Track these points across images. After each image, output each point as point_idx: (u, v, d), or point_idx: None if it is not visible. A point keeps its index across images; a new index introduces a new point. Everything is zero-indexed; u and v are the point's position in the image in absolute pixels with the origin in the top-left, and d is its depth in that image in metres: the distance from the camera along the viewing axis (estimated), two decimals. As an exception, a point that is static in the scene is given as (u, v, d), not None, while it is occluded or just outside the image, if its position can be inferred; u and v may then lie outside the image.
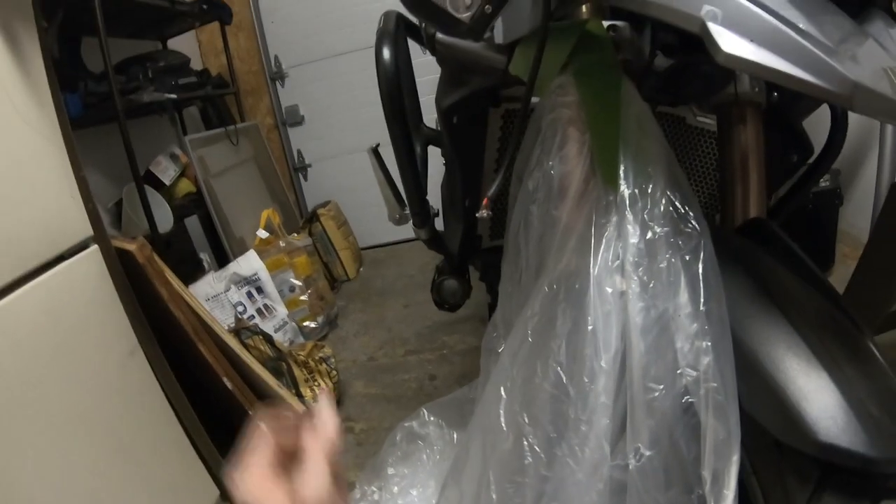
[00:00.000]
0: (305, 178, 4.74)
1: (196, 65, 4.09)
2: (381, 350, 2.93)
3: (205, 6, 3.78)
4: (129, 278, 1.64)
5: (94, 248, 1.52)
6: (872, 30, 0.68)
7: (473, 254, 1.52)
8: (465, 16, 0.64)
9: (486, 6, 0.62)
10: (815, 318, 0.72)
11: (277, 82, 4.62)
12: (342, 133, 4.46)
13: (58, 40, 2.74)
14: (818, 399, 0.62)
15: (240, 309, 2.81)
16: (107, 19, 2.76)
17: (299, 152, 4.70)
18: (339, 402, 2.50)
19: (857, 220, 2.75)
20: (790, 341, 0.67)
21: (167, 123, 3.72)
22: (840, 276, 1.68)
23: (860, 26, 0.67)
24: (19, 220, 1.30)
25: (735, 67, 0.54)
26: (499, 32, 0.89)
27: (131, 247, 1.72)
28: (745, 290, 0.73)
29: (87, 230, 1.51)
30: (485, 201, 0.77)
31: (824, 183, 2.70)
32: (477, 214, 0.78)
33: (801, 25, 0.55)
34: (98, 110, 2.85)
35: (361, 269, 4.20)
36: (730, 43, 0.54)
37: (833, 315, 0.75)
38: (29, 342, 1.27)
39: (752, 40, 0.54)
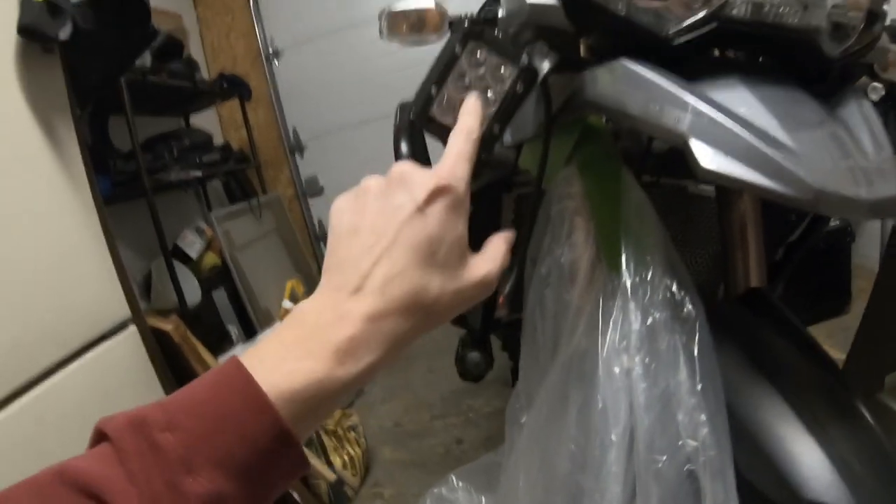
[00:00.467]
0: (327, 247, 4.79)
1: (217, 139, 4.23)
2: (408, 415, 2.95)
3: (225, 84, 3.93)
4: (166, 356, 1.70)
5: (133, 328, 1.58)
6: (845, 113, 0.75)
7: (494, 328, 1.59)
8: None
9: (495, 126, 0.70)
10: (805, 383, 0.79)
11: (297, 154, 4.74)
12: (361, 203, 4.50)
13: (88, 120, 2.87)
14: (804, 460, 0.69)
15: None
16: (132, 100, 2.90)
17: (320, 222, 4.79)
18: (368, 468, 2.52)
19: (869, 250, 2.80)
20: (779, 409, 0.74)
21: (192, 198, 3.83)
22: (858, 311, 1.72)
23: (832, 112, 0.74)
24: (61, 303, 1.36)
25: (711, 180, 0.61)
26: (507, 135, 0.97)
27: (167, 327, 1.79)
28: (740, 363, 0.80)
29: (125, 312, 1.57)
30: (500, 300, 0.84)
31: (834, 222, 2.73)
32: (495, 315, 0.86)
33: (770, 132, 0.62)
34: (126, 188, 2.95)
35: (385, 334, 4.21)
36: (707, 158, 0.60)
37: (823, 379, 0.81)
38: (74, 421, 1.32)
39: (726, 154, 0.60)
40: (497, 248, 0.64)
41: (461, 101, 0.69)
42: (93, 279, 1.49)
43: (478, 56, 0.70)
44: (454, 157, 0.60)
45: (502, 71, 0.70)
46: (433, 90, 0.70)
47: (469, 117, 0.64)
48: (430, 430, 2.75)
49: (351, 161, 4.51)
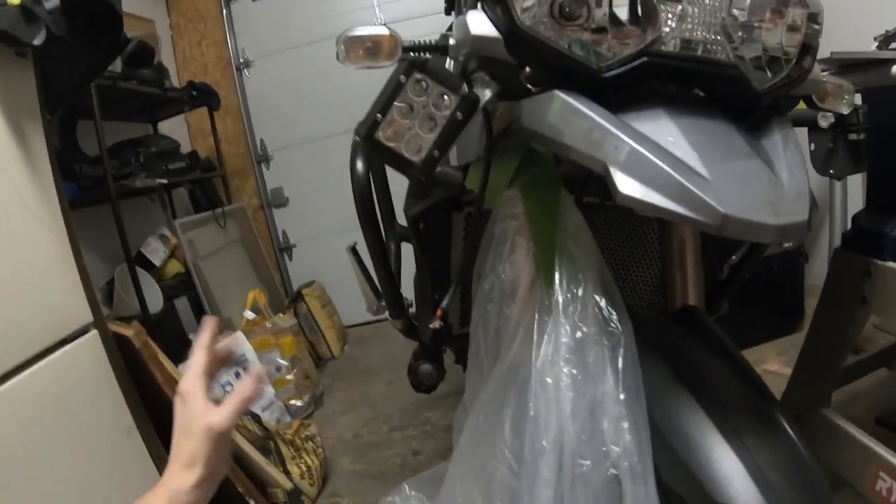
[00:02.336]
0: (290, 258, 4.83)
1: (185, 146, 4.23)
2: (366, 427, 2.98)
3: (194, 93, 3.94)
4: (126, 361, 1.71)
5: (94, 333, 1.59)
6: (768, 143, 0.80)
7: (445, 341, 1.63)
8: (416, 158, 0.77)
9: (435, 151, 0.75)
10: (727, 396, 0.84)
11: (263, 164, 4.76)
12: (325, 214, 4.55)
13: (57, 124, 2.88)
14: (720, 466, 0.74)
15: (228, 389, 2.87)
16: (101, 104, 2.91)
17: (284, 233, 4.80)
18: (326, 478, 2.54)
19: (822, 271, 2.88)
20: (698, 419, 0.79)
21: (157, 205, 3.83)
22: None
23: (756, 142, 0.79)
24: (26, 306, 1.38)
25: (628, 205, 0.66)
26: (453, 157, 1.02)
27: (128, 332, 1.81)
28: (665, 376, 0.85)
29: (87, 316, 1.58)
30: (438, 312, 0.89)
31: (788, 244, 2.81)
32: (430, 325, 0.90)
33: (687, 161, 0.66)
34: (92, 193, 2.97)
35: (346, 347, 4.26)
36: (625, 185, 0.65)
37: (745, 393, 0.87)
38: (33, 422, 1.34)
39: (642, 182, 0.65)
40: (229, 402, 0.81)
41: (407, 127, 0.74)
42: (57, 283, 1.51)
43: (422, 85, 0.75)
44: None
45: (444, 99, 0.75)
46: (378, 116, 0.75)
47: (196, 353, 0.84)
48: (388, 442, 2.78)
49: (316, 173, 4.53)
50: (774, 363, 2.73)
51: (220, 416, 0.77)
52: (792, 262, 3.01)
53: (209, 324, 0.91)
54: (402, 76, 0.76)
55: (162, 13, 4.60)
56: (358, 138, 0.79)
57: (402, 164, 0.78)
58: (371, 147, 0.77)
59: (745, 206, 0.64)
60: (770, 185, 0.70)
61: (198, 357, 0.86)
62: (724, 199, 0.63)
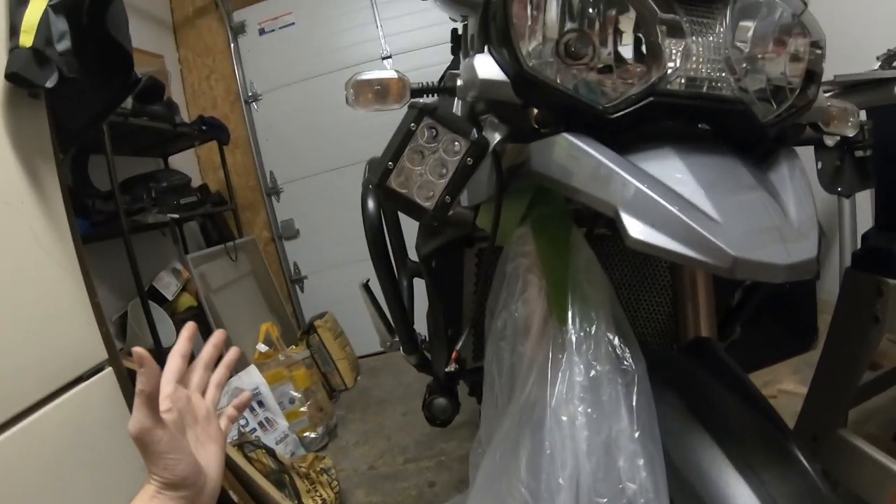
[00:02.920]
0: (302, 290, 4.85)
1: (195, 180, 4.28)
2: (381, 459, 2.98)
3: (203, 127, 3.98)
4: (141, 398, 1.72)
5: (109, 370, 1.60)
6: (775, 176, 0.80)
7: (459, 375, 1.64)
8: (428, 204, 0.78)
9: (446, 196, 0.76)
10: (741, 430, 0.84)
11: (273, 197, 4.79)
12: (336, 245, 4.58)
13: (69, 162, 2.91)
14: (735, 502, 0.74)
15: (242, 423, 2.89)
16: (113, 140, 2.97)
17: (295, 265, 4.83)
18: (342, 511, 2.54)
19: (834, 287, 2.86)
20: (713, 454, 0.79)
21: (169, 239, 3.86)
22: None
23: (763, 176, 0.79)
24: (41, 344, 1.39)
25: (639, 249, 0.66)
26: (464, 197, 1.03)
27: (142, 370, 1.81)
28: (679, 412, 0.85)
29: (102, 354, 1.60)
30: (454, 354, 0.90)
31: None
32: (445, 369, 0.91)
33: (695, 202, 0.67)
34: (104, 228, 3.01)
35: (359, 378, 4.26)
36: (636, 229, 0.66)
37: (759, 426, 0.86)
38: (50, 460, 1.35)
39: (652, 225, 0.65)
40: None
41: (418, 173, 0.75)
42: (71, 321, 1.52)
43: (432, 132, 0.76)
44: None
45: (455, 145, 0.76)
46: (390, 164, 0.76)
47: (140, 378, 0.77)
48: (404, 474, 2.78)
49: (326, 205, 4.56)
50: (789, 382, 2.71)
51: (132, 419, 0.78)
52: (803, 281, 2.98)
53: (187, 332, 0.94)
54: (412, 124, 0.77)
55: (171, 48, 4.65)
56: (371, 185, 0.80)
57: (414, 210, 0.79)
58: (384, 194, 0.78)
59: (754, 247, 0.65)
60: (778, 220, 0.70)
61: (171, 363, 0.90)
62: (734, 241, 0.64)
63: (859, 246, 1.70)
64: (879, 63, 1.62)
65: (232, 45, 4.69)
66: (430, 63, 4.22)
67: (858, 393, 1.79)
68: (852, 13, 2.77)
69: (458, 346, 0.95)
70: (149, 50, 4.20)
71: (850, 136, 1.01)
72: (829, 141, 1.34)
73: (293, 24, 4.62)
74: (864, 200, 2.88)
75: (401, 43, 4.44)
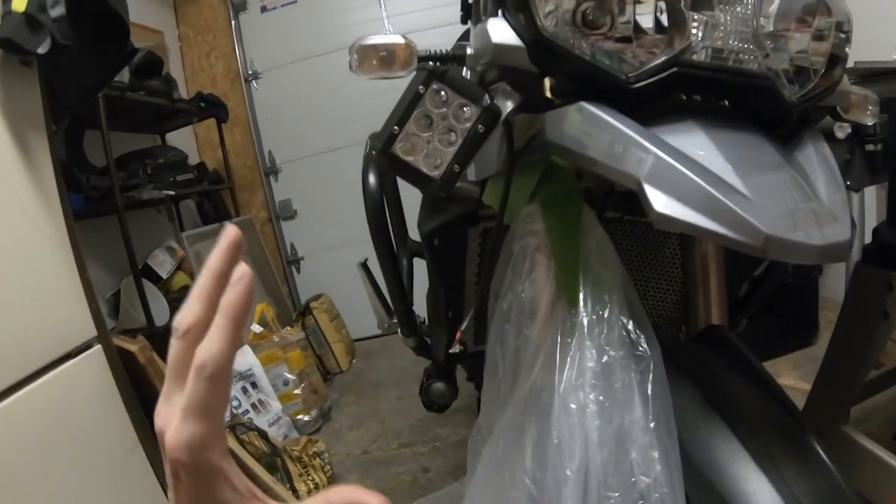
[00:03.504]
0: (298, 271, 4.82)
1: (193, 158, 4.25)
2: (375, 443, 2.95)
3: (202, 104, 3.95)
4: (130, 377, 1.69)
5: (98, 347, 1.57)
6: (802, 157, 0.76)
7: (459, 359, 1.60)
8: (435, 174, 0.74)
9: (455, 165, 0.71)
10: (759, 422, 0.80)
11: (271, 177, 4.75)
12: (334, 226, 4.54)
13: (63, 135, 2.86)
14: (757, 499, 0.70)
15: (235, 404, 2.86)
16: (109, 115, 2.93)
17: (292, 245, 4.79)
18: (334, 496, 2.51)
19: (837, 285, 2.84)
20: (732, 447, 0.75)
21: (165, 217, 3.82)
22: (825, 343, 1.75)
23: (790, 156, 0.75)
24: (29, 321, 1.36)
25: (664, 225, 0.62)
26: (472, 171, 0.99)
27: (133, 347, 1.78)
28: (695, 401, 0.81)
29: (91, 331, 1.56)
30: (457, 335, 0.85)
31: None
32: (449, 351, 0.87)
33: (724, 177, 0.63)
34: (99, 204, 2.97)
35: (354, 361, 4.23)
36: (661, 203, 0.61)
37: (778, 418, 0.82)
38: (36, 437, 1.32)
39: (678, 199, 0.61)
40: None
41: (425, 140, 0.70)
42: (60, 297, 1.49)
43: (441, 96, 0.72)
44: (179, 418, 0.43)
45: (465, 111, 0.72)
46: (395, 129, 0.71)
47: (210, 342, 0.43)
48: (398, 458, 2.75)
49: (325, 186, 4.52)
50: (789, 377, 2.69)
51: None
52: (805, 276, 2.97)
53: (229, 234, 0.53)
54: (420, 87, 0.73)
55: (171, 24, 4.60)
56: (373, 151, 0.75)
57: (420, 180, 0.75)
58: (388, 161, 0.74)
59: (787, 225, 0.61)
60: (809, 200, 0.66)
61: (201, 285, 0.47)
62: (766, 218, 0.60)
63: (868, 240, 1.67)
64: (898, 53, 1.59)
65: (233, 22, 4.64)
66: (434, 45, 4.08)
67: (861, 390, 1.76)
68: (872, 1, 2.72)
69: (463, 328, 0.91)
70: (149, 25, 4.16)
71: (869, 124, 0.97)
72: (840, 133, 1.30)
73: (295, 2, 4.56)
74: (871, 195, 2.85)
75: (404, 23, 4.37)
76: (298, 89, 4.56)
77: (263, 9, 4.62)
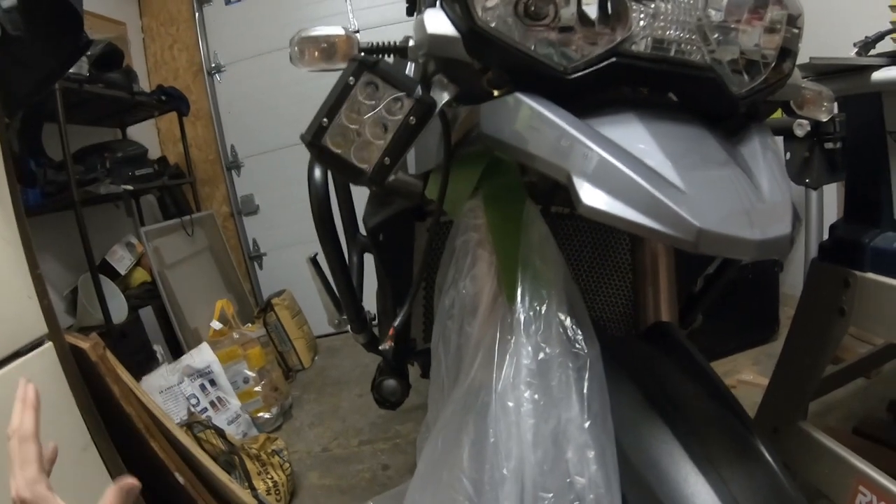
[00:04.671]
0: (261, 267, 4.78)
1: (154, 152, 4.21)
2: (336, 441, 2.93)
3: (163, 97, 3.90)
4: (83, 375, 1.65)
5: (49, 345, 1.54)
6: (747, 151, 0.75)
7: (408, 356, 1.58)
8: (365, 167, 0.72)
9: (386, 158, 0.70)
10: (701, 421, 0.79)
11: (233, 171, 4.70)
12: (297, 222, 4.42)
13: (19, 128, 2.81)
14: (692, 501, 0.69)
15: (193, 402, 2.82)
16: (68, 108, 2.88)
17: (255, 241, 4.75)
18: (294, 494, 2.50)
19: (797, 281, 2.87)
20: (670, 448, 0.74)
21: (123, 212, 3.77)
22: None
23: (734, 150, 0.74)
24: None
25: (592, 217, 0.61)
26: (412, 164, 0.97)
27: (85, 345, 1.74)
28: (635, 400, 0.80)
29: (42, 328, 1.53)
30: (391, 331, 0.84)
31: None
32: (380, 347, 0.85)
33: (659, 170, 0.61)
34: (56, 199, 2.91)
35: (316, 358, 4.21)
36: (589, 195, 0.60)
37: (721, 416, 0.82)
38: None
39: (609, 192, 0.60)
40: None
41: (356, 132, 0.69)
42: (10, 294, 1.46)
43: (372, 87, 0.70)
44: (17, 467, 0.62)
45: (397, 103, 0.70)
46: (325, 121, 0.70)
47: (17, 415, 0.62)
48: (358, 456, 2.74)
49: (288, 181, 4.47)
50: (749, 373, 2.71)
51: None
52: (766, 272, 3.01)
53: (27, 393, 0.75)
54: (350, 77, 0.71)
55: (134, 16, 4.54)
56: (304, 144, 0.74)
57: (350, 172, 0.73)
58: (317, 153, 0.72)
59: (722, 220, 0.60)
60: (750, 195, 0.65)
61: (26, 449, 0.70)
62: (699, 212, 0.58)
63: (825, 237, 1.67)
64: (856, 50, 1.59)
65: (197, 14, 4.58)
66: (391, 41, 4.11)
67: (821, 385, 1.77)
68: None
69: (397, 324, 0.89)
70: (111, 17, 4.09)
71: (824, 121, 0.98)
72: (799, 131, 1.30)
73: (260, -6, 4.51)
74: (831, 193, 2.88)
75: (370, 17, 4.35)
76: (262, 83, 4.51)
77: (228, 1, 4.56)
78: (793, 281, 3.12)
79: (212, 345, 3.05)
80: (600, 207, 0.60)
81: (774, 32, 0.76)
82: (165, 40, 4.64)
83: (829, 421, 2.21)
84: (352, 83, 0.71)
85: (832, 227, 1.64)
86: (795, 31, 0.77)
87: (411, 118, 0.70)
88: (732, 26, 0.74)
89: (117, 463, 1.66)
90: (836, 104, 1.46)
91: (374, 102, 0.71)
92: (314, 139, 0.71)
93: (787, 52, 0.77)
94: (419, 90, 0.71)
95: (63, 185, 2.92)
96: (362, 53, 0.77)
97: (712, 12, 0.73)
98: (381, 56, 0.77)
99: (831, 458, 1.53)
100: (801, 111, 0.92)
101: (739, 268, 1.35)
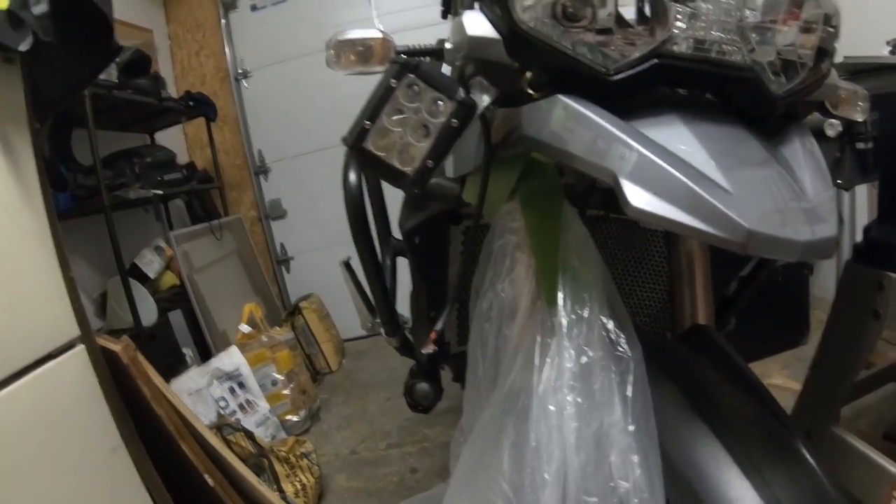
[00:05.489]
0: (288, 271, 4.80)
1: (182, 157, 4.24)
2: (363, 444, 2.93)
3: (191, 103, 3.93)
4: (114, 377, 1.66)
5: (81, 347, 1.54)
6: (787, 151, 0.75)
7: (442, 359, 1.58)
8: (407, 169, 0.72)
9: (428, 161, 0.70)
10: (743, 424, 0.78)
11: (261, 176, 4.73)
12: (324, 226, 4.49)
13: (49, 133, 2.84)
14: None
15: (222, 404, 2.83)
16: (97, 114, 2.90)
17: (282, 245, 4.77)
18: (321, 496, 2.50)
19: (827, 283, 2.84)
20: (714, 451, 0.73)
21: (153, 216, 3.80)
22: (815, 342, 1.75)
23: (775, 151, 0.74)
24: (11, 320, 1.33)
25: (641, 220, 0.60)
26: (450, 168, 0.97)
27: (116, 347, 1.75)
28: (677, 403, 0.79)
29: (74, 330, 1.53)
30: (432, 335, 0.84)
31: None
32: (422, 350, 0.85)
33: (705, 171, 0.61)
34: (86, 203, 2.94)
35: (344, 361, 4.21)
36: (637, 197, 0.60)
37: (762, 419, 0.81)
38: (16, 439, 1.29)
39: (656, 194, 0.59)
40: None
41: (398, 135, 0.69)
42: (42, 296, 1.46)
43: (414, 89, 0.70)
44: None
45: (439, 105, 0.70)
46: (367, 123, 0.70)
47: None
48: (386, 459, 2.73)
49: (314, 185, 4.51)
50: (779, 377, 2.68)
51: None
52: (796, 274, 2.98)
53: None
54: (392, 80, 0.71)
55: (161, 23, 4.58)
56: (345, 146, 0.74)
57: (392, 175, 0.73)
58: (359, 156, 0.72)
59: (769, 221, 0.59)
60: (795, 196, 0.65)
61: None
62: (748, 213, 0.58)
63: (859, 239, 1.65)
64: (890, 48, 1.58)
65: (223, 20, 4.61)
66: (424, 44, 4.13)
67: (851, 390, 1.75)
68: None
69: (439, 328, 0.89)
70: (138, 24, 4.13)
71: (859, 120, 0.97)
72: (830, 131, 1.29)
73: (285, 0, 4.54)
74: (862, 193, 2.85)
75: (394, 22, 4.35)
76: (288, 88, 4.54)
77: (253, 7, 4.59)
78: (823, 283, 3.08)
79: (240, 347, 3.06)
80: (649, 209, 0.60)
81: (810, 32, 0.76)
82: (192, 46, 4.67)
83: (859, 426, 2.18)
84: (393, 85, 0.71)
85: (866, 229, 1.62)
86: (831, 29, 0.76)
87: (453, 120, 0.70)
88: (769, 26, 0.74)
89: (147, 465, 1.67)
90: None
91: (415, 105, 0.71)
92: (356, 142, 0.71)
93: (823, 52, 0.77)
94: (461, 92, 0.71)
95: (93, 190, 2.95)
96: (402, 56, 0.77)
97: (748, 12, 0.73)
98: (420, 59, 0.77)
99: (865, 463, 1.52)
100: (835, 111, 0.92)
101: (770, 270, 1.34)
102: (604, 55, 0.70)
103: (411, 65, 0.71)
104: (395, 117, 0.71)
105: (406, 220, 1.28)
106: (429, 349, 0.91)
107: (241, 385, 2.95)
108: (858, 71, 1.41)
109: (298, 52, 4.46)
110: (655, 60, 0.69)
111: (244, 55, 4.64)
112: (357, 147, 0.72)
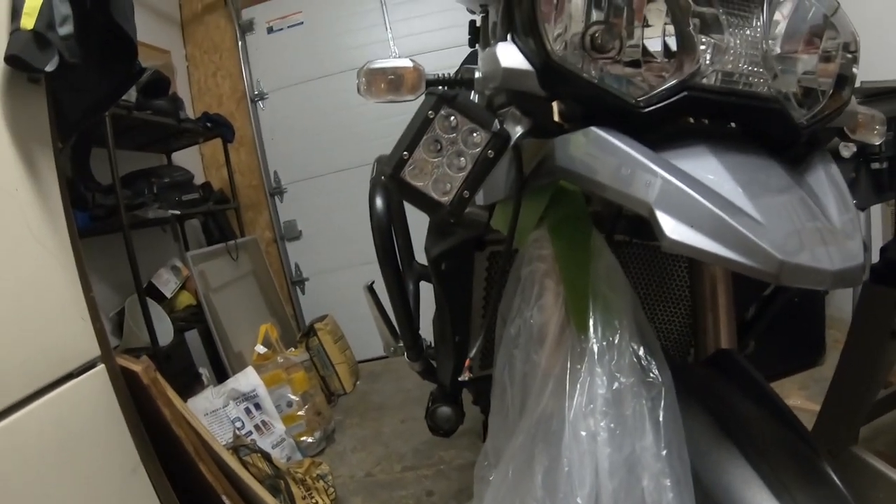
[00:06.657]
0: (303, 292, 4.81)
1: (198, 177, 4.27)
2: (379, 466, 2.93)
3: (208, 124, 3.96)
4: (133, 397, 1.68)
5: (101, 367, 1.55)
6: (811, 178, 0.76)
7: (465, 383, 1.59)
8: (444, 199, 0.73)
9: (465, 191, 0.71)
10: (771, 447, 0.79)
11: (276, 197, 4.76)
12: (339, 248, 4.54)
13: (69, 153, 2.87)
14: None
15: (238, 425, 2.84)
16: (116, 134, 2.94)
17: (297, 266, 4.79)
18: (337, 519, 2.50)
19: (843, 303, 2.84)
20: (744, 473, 0.74)
21: (169, 236, 3.82)
22: (832, 363, 1.74)
23: (799, 177, 0.75)
24: (32, 339, 1.34)
25: (677, 251, 0.61)
26: (479, 196, 0.98)
27: (137, 368, 1.77)
28: (706, 427, 0.80)
29: (94, 350, 1.55)
30: (467, 362, 0.85)
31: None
32: (459, 378, 0.86)
33: (735, 201, 0.62)
34: (104, 222, 2.97)
35: (358, 382, 4.22)
36: (672, 229, 0.61)
37: (790, 442, 0.82)
38: (36, 457, 1.30)
39: (690, 225, 0.60)
40: None
41: (435, 165, 0.70)
42: (64, 315, 1.48)
43: (451, 121, 0.71)
44: None
45: (474, 136, 0.71)
46: (405, 154, 0.71)
47: None
48: (401, 482, 2.73)
49: (330, 207, 4.54)
50: (797, 398, 2.67)
51: None
52: (812, 295, 2.96)
53: None
54: (430, 111, 0.73)
55: (178, 44, 4.64)
56: (382, 176, 0.75)
57: (429, 205, 0.74)
58: (397, 186, 0.74)
59: (800, 251, 0.60)
60: (822, 224, 0.66)
61: None
62: (779, 244, 0.59)
63: (874, 259, 1.66)
64: (907, 71, 1.59)
65: (240, 42, 4.67)
66: (439, 67, 4.09)
67: (870, 410, 1.75)
68: (878, 17, 2.72)
69: (472, 354, 0.90)
70: (156, 45, 4.18)
71: (876, 144, 0.97)
72: (846, 152, 1.30)
73: (302, 23, 4.59)
74: (877, 214, 2.85)
75: (410, 45, 4.40)
76: (304, 110, 4.58)
77: (270, 30, 4.65)
78: (838, 303, 3.07)
79: (256, 369, 3.07)
80: (685, 241, 0.61)
81: (830, 60, 0.77)
82: (209, 68, 4.73)
83: (877, 445, 2.17)
84: (431, 116, 0.72)
85: (883, 249, 1.63)
86: (850, 56, 0.78)
87: (489, 151, 0.72)
88: (791, 55, 0.75)
89: (165, 486, 1.68)
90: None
91: (452, 136, 0.73)
92: (395, 172, 0.73)
93: (843, 78, 0.78)
94: (497, 124, 0.73)
95: (111, 209, 2.97)
96: (440, 88, 0.78)
97: (770, 42, 0.74)
98: (454, 88, 0.78)
99: (884, 483, 1.52)
100: (853, 135, 0.92)
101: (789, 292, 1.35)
102: (633, 87, 0.72)
103: (448, 96, 0.73)
104: (432, 148, 0.73)
105: (433, 246, 1.29)
106: (465, 376, 0.92)
107: (258, 406, 2.96)
108: (874, 94, 1.42)
109: (314, 74, 4.50)
110: (685, 93, 0.70)
111: (260, 77, 4.69)
112: (396, 177, 0.73)
